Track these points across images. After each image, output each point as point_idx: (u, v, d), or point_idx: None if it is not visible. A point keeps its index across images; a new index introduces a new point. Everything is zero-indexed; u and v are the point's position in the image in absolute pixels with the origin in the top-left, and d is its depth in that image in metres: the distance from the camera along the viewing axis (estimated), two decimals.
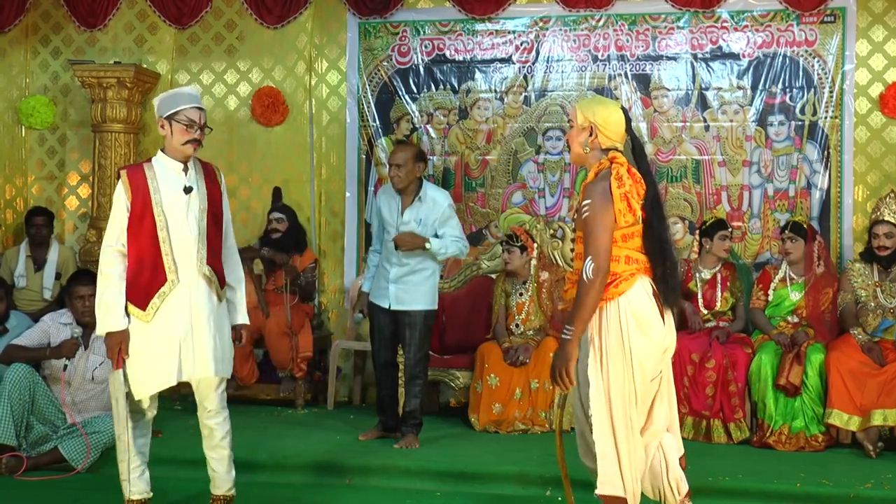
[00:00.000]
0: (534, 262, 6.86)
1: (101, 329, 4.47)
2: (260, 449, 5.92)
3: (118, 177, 4.53)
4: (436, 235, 5.98)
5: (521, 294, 6.84)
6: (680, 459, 4.14)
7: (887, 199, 6.64)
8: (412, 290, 5.97)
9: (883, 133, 7.25)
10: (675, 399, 4.17)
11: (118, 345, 4.42)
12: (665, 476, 4.04)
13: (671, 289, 3.98)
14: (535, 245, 6.90)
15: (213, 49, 8.15)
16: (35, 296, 7.60)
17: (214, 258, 4.56)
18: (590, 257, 3.82)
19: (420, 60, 7.81)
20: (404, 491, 5.38)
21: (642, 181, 3.96)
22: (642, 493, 4.04)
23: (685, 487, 4.10)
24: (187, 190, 4.49)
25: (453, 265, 7.67)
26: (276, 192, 7.69)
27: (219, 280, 4.58)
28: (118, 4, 8.14)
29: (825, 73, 7.25)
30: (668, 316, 4.00)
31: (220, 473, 4.72)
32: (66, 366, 5.73)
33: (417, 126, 7.81)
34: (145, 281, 4.43)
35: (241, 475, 5.56)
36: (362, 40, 7.88)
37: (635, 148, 4.07)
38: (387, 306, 6.02)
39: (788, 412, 6.15)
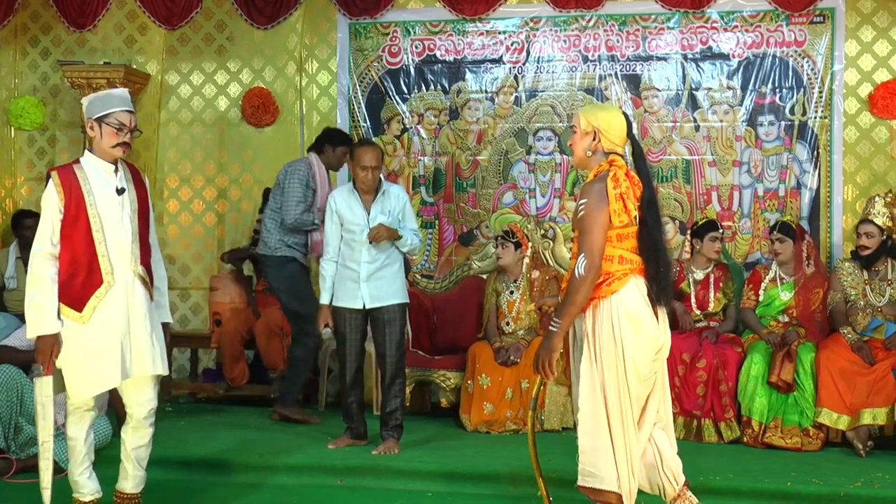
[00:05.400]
0: (526, 260, 6.86)
1: (32, 332, 4.41)
2: (251, 450, 5.91)
3: (48, 177, 4.49)
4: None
5: (511, 293, 6.84)
6: None
7: (874, 199, 6.66)
8: (386, 285, 5.89)
9: (872, 133, 7.27)
10: (669, 398, 4.21)
11: (50, 348, 4.38)
12: (661, 468, 4.08)
13: (664, 289, 4.07)
14: (530, 243, 6.91)
15: (203, 50, 8.14)
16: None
17: (146, 258, 4.57)
18: (582, 255, 3.92)
19: (411, 61, 7.80)
20: (395, 491, 5.38)
21: (640, 183, 4.05)
22: (639, 491, 4.08)
23: (682, 477, 4.14)
24: (120, 191, 4.48)
25: (444, 265, 7.68)
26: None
27: (150, 279, 4.59)
28: (108, 5, 8.11)
29: (814, 74, 7.27)
30: (662, 315, 4.07)
31: (142, 473, 4.68)
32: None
33: (408, 126, 7.81)
34: (80, 283, 4.39)
35: (233, 476, 5.60)
36: (353, 41, 7.87)
37: (635, 151, 4.17)
38: (360, 307, 5.88)
39: (780, 406, 6.17)
